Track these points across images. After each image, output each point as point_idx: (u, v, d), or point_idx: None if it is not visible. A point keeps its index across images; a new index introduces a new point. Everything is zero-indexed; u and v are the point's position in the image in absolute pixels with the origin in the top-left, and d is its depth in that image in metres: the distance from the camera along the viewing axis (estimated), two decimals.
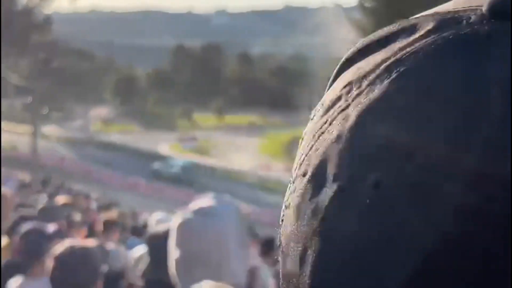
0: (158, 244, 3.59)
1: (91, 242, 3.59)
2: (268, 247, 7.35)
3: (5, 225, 5.48)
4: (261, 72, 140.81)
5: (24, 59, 72.92)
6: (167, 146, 77.12)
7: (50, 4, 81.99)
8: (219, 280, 1.87)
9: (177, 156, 63.02)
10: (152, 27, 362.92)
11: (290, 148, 77.57)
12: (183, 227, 2.01)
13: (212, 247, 1.99)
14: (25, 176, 33.36)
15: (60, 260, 3.13)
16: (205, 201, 2.09)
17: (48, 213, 5.82)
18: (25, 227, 4.56)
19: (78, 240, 4.00)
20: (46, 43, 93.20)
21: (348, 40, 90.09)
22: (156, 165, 51.69)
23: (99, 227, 7.83)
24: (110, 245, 6.80)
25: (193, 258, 1.98)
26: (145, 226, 12.74)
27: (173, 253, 2.04)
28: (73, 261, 3.12)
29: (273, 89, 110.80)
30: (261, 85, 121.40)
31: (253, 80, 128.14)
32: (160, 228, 3.99)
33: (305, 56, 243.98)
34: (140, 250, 6.85)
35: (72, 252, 3.17)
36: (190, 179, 48.04)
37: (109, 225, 7.39)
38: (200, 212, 2.03)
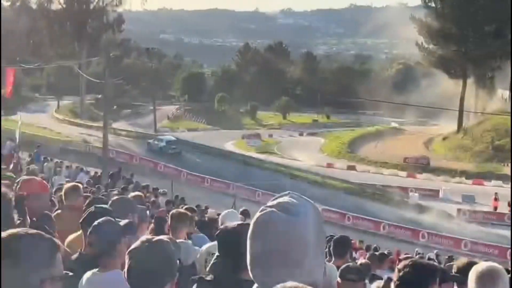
0: (229, 239, 3.59)
1: (164, 237, 3.60)
2: (337, 246, 7.18)
3: (79, 217, 5.55)
4: (325, 71, 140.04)
5: (96, 56, 74.23)
6: (232, 143, 77.48)
7: (122, 3, 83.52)
8: (297, 278, 1.85)
9: None
10: (220, 26, 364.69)
11: (352, 147, 77.02)
12: (265, 222, 1.98)
13: (293, 244, 1.97)
14: (96, 170, 33.97)
15: (137, 254, 3.15)
16: (284, 198, 2.06)
17: (120, 206, 5.88)
18: (98, 220, 4.60)
19: (152, 235, 4.03)
20: (118, 42, 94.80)
21: (412, 40, 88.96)
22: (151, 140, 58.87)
23: (168, 221, 7.89)
24: (179, 239, 6.84)
25: (273, 254, 1.96)
26: (211, 220, 12.81)
27: (252, 248, 2.01)
28: (150, 255, 3.14)
29: (336, 88, 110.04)
30: (324, 84, 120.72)
31: (317, 79, 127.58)
32: (231, 223, 3.99)
33: (368, 56, 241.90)
34: (208, 244, 6.90)
35: (148, 246, 3.19)
36: (174, 151, 54.86)
37: (177, 219, 7.43)
38: (282, 209, 2.00)
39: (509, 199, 42.59)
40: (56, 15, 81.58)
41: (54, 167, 30.41)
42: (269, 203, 2.06)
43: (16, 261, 2.33)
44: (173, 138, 59.71)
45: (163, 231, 7.97)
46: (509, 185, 50.86)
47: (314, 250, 2.00)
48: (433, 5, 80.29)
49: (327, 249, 7.13)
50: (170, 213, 8.01)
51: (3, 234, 2.40)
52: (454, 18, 75.95)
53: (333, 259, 6.95)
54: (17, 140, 27.94)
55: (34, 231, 2.52)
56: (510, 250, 32.97)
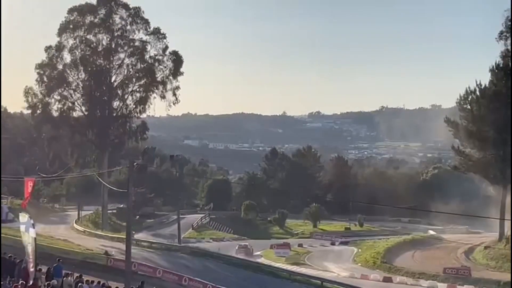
0: None
1: None
2: None
3: None
4: (356, 177, 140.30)
5: (119, 165, 75.17)
6: (260, 253, 77.10)
7: (145, 110, 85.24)
8: None
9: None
10: (246, 131, 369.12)
11: (387, 257, 76.19)
12: None
13: None
14: (118, 284, 33.98)
15: None
16: None
17: None
18: None
19: None
20: (141, 149, 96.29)
21: (448, 143, 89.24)
22: None
23: None
24: None
25: None
26: None
27: None
28: None
29: (369, 194, 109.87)
30: (357, 190, 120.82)
31: (349, 185, 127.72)
32: None
33: (402, 160, 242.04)
34: None
35: None
36: None
37: None
38: None
39: None
40: (78, 122, 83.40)
41: (74, 282, 30.52)
42: None
43: None
44: None
45: None
46: None
47: None
48: (468, 107, 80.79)
49: None
50: None
51: None
52: (491, 120, 76.30)
53: None
54: (29, 255, 28.00)
55: None
56: None
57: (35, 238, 27.13)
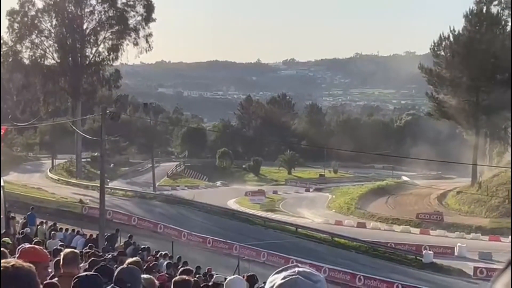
0: None
1: None
2: None
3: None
4: (331, 124, 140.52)
5: (92, 113, 74.49)
6: (235, 200, 77.36)
7: (118, 57, 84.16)
8: None
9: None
10: (220, 79, 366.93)
11: (361, 203, 76.82)
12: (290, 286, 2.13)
13: None
14: (92, 232, 33.90)
15: None
16: (300, 268, 2.20)
17: (128, 275, 5.94)
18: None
19: None
20: (114, 97, 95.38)
21: (421, 90, 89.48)
22: None
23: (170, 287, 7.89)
24: None
25: None
26: (216, 286, 12.82)
27: None
28: None
29: (343, 141, 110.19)
30: (331, 137, 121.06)
31: (323, 132, 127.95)
32: None
33: (376, 107, 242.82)
34: None
35: None
36: None
37: (181, 286, 7.44)
38: (305, 276, 2.15)
39: None
40: (50, 70, 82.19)
41: (48, 230, 30.36)
42: (286, 271, 2.19)
43: None
44: None
45: None
46: None
47: None
48: (442, 53, 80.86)
49: None
50: (173, 280, 8.03)
51: None
52: (465, 67, 76.46)
53: None
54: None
55: None
56: None
57: (3, 187, 26.74)
